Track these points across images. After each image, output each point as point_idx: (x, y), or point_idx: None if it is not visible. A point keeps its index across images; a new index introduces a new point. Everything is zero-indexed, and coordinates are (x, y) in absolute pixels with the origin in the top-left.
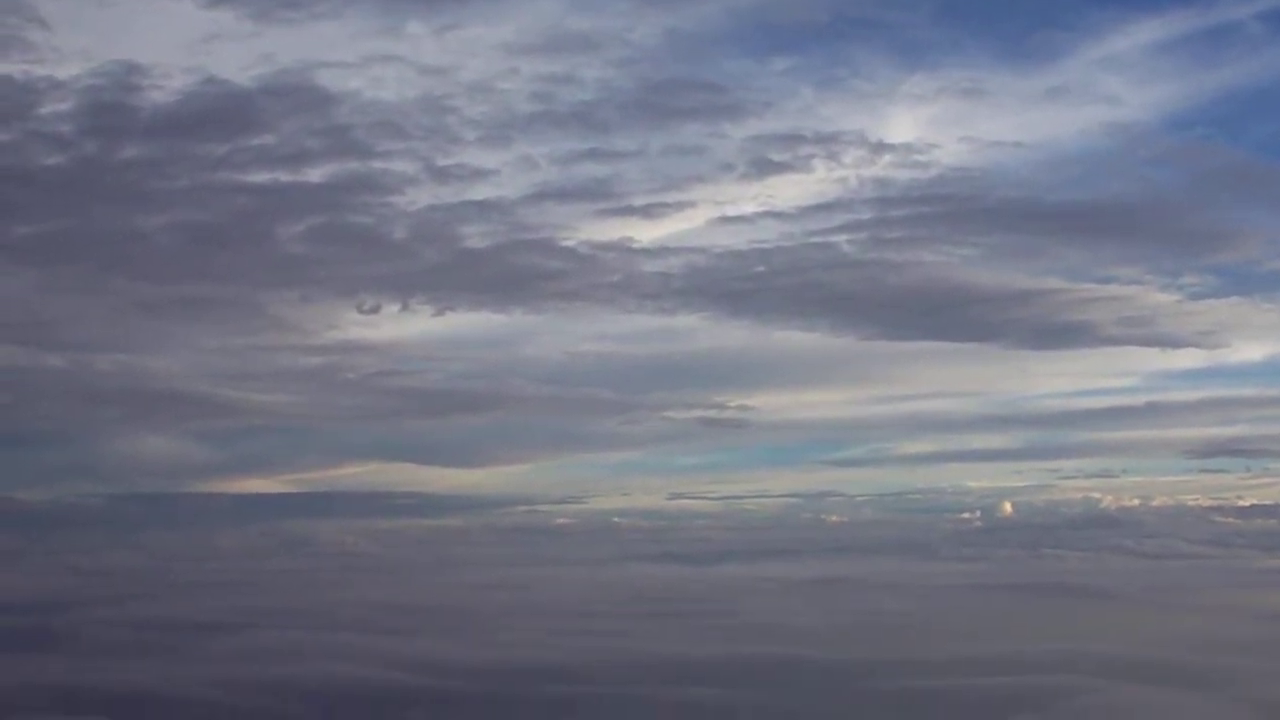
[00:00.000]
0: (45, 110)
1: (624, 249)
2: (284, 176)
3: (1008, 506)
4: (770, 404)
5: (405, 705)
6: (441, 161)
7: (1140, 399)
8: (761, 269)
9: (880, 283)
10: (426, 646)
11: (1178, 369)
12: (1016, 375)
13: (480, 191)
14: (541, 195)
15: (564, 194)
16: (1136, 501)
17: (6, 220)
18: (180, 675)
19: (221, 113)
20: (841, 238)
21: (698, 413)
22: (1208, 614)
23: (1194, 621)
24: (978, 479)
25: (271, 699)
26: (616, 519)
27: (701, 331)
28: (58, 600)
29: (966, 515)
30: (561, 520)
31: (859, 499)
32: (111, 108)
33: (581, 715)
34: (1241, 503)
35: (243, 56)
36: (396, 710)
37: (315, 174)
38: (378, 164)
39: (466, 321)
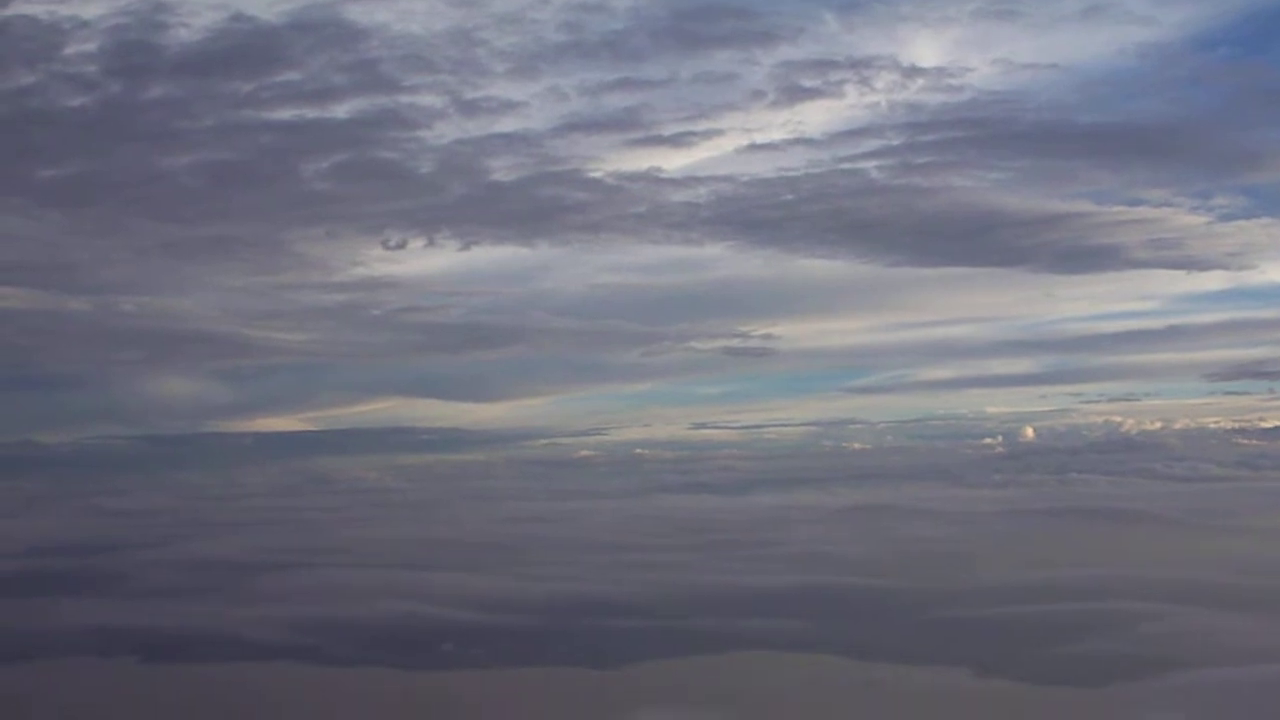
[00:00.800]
0: (70, 51)
1: (651, 179)
2: (310, 113)
3: (1029, 431)
4: (794, 332)
5: (465, 641)
6: (469, 95)
7: (1162, 322)
8: (789, 197)
9: (908, 208)
10: (475, 582)
11: (1200, 291)
12: (1041, 300)
13: (508, 124)
14: (570, 127)
15: (592, 125)
16: (1158, 425)
17: (31, 163)
18: (234, 615)
19: (248, 50)
20: (871, 164)
21: (721, 342)
22: (1250, 536)
23: (1239, 544)
24: (998, 404)
25: (328, 638)
26: (639, 450)
27: (726, 261)
28: (96, 542)
29: (988, 441)
30: (584, 452)
31: (880, 426)
32: (137, 47)
33: (650, 649)
34: (1264, 424)
35: None
36: (456, 647)
37: (341, 110)
38: (405, 98)
39: (491, 255)
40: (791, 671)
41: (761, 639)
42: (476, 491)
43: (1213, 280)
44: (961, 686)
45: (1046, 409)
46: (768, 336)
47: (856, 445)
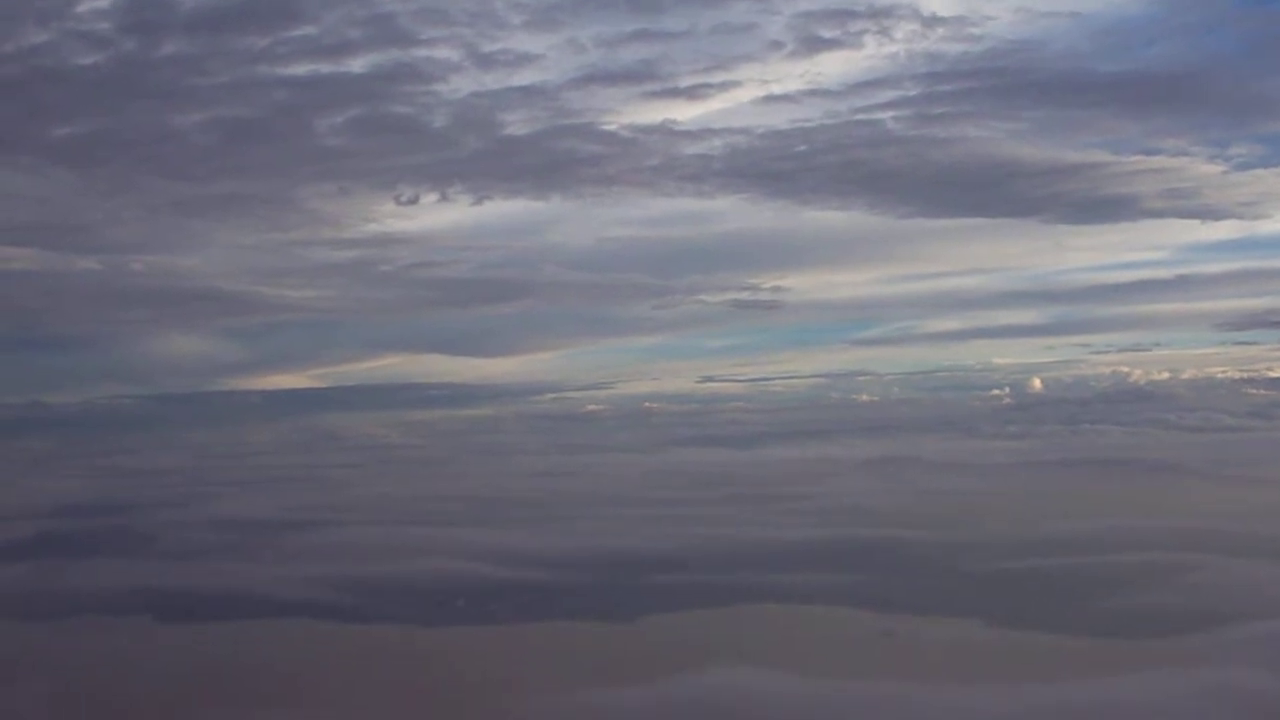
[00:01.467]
0: (83, 8)
1: (666, 132)
2: (325, 68)
3: (1037, 382)
4: (803, 285)
5: (501, 597)
6: (486, 47)
7: (1171, 272)
8: (803, 148)
9: (923, 159)
10: (503, 538)
11: (1209, 241)
12: (1051, 250)
13: (524, 77)
14: (587, 79)
15: (609, 77)
16: (1166, 375)
17: (43, 122)
18: (267, 574)
19: (263, 5)
20: (887, 114)
21: (731, 295)
22: (1274, 486)
23: (1267, 495)
24: (1005, 355)
25: (362, 595)
26: (647, 403)
27: (738, 214)
28: (118, 502)
29: (996, 392)
30: (592, 406)
31: (888, 378)
32: (151, 3)
33: (701, 603)
34: (1271, 374)
35: None
36: (494, 603)
37: (357, 64)
38: (421, 52)
39: (504, 210)
40: (828, 625)
41: (801, 593)
42: (488, 447)
43: (1223, 230)
44: (1020, 641)
45: (1053, 360)
46: (777, 289)
47: (865, 397)
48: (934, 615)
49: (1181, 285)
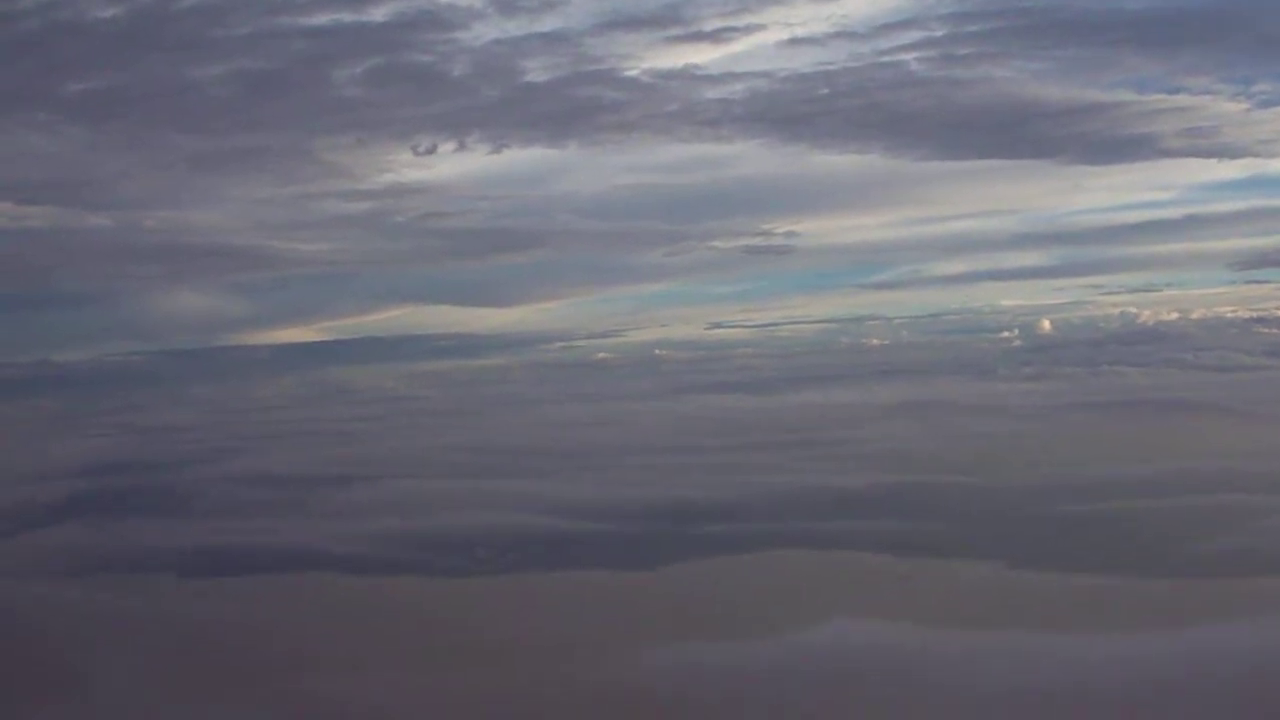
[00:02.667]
0: None
1: (687, 76)
2: (346, 17)
3: (1046, 324)
4: (815, 230)
5: (573, 548)
6: None
7: (1179, 212)
8: (825, 91)
9: (945, 101)
10: (554, 489)
11: (1218, 180)
12: (1068, 191)
13: (547, 23)
14: (610, 24)
15: (632, 22)
16: (1175, 315)
17: (60, 76)
18: (326, 531)
19: None
20: (911, 55)
21: (744, 241)
22: None
23: None
24: (1011, 297)
25: (425, 552)
26: (657, 351)
27: (754, 159)
28: (142, 460)
29: (1005, 334)
30: (602, 355)
31: (896, 322)
32: None
33: (768, 550)
34: None
35: None
36: (568, 554)
37: (378, 12)
38: None
39: (521, 158)
40: (912, 574)
41: (871, 540)
42: (504, 397)
43: (1234, 169)
44: (1114, 587)
45: (1060, 301)
46: (790, 234)
47: (874, 341)
48: (1015, 563)
49: (1190, 225)
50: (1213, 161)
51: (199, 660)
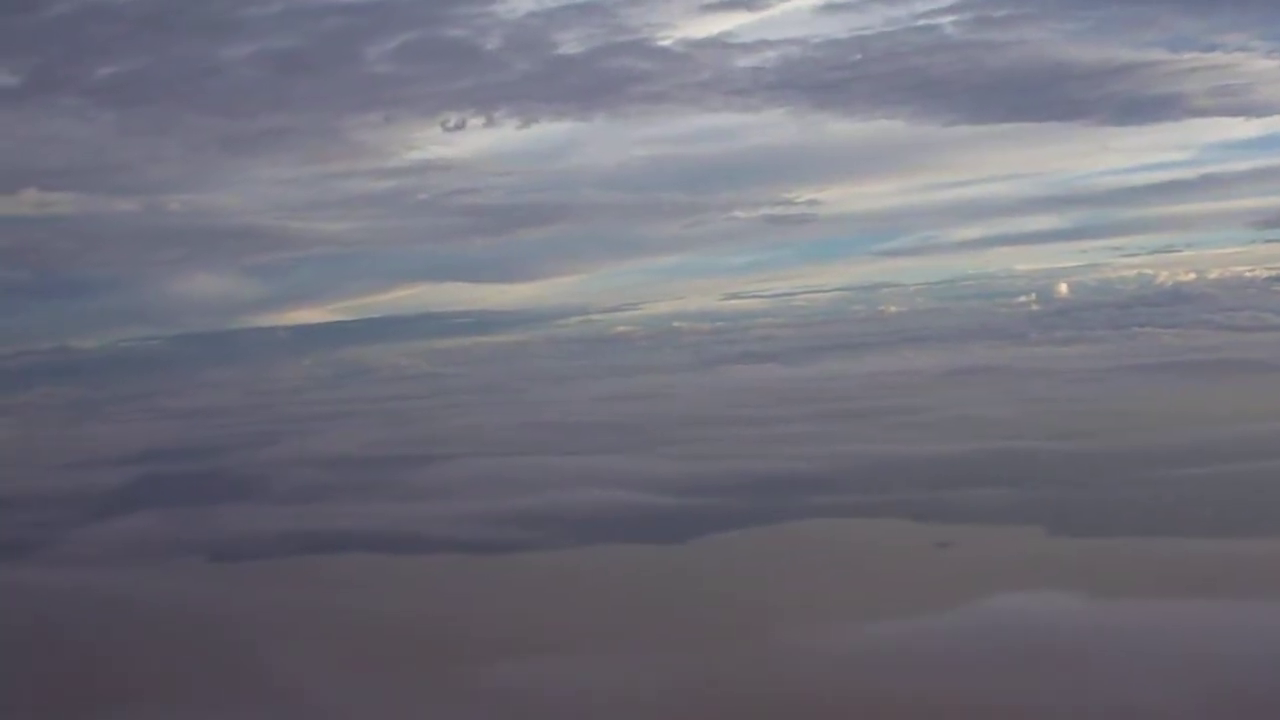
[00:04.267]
0: None
1: (721, 45)
2: None
3: (1063, 288)
4: (836, 197)
5: (668, 524)
6: None
7: (1195, 172)
8: (858, 57)
9: (977, 64)
10: (636, 465)
11: (1235, 139)
12: (1091, 153)
13: None
14: None
15: None
16: (1192, 276)
17: (89, 62)
18: (422, 513)
19: None
20: (948, 19)
21: (764, 210)
22: None
23: None
24: (1025, 262)
25: (519, 530)
26: (676, 323)
27: (781, 126)
28: (195, 446)
29: (1022, 299)
30: (620, 328)
31: (911, 288)
32: None
33: (895, 521)
34: None
35: None
36: (665, 531)
37: None
38: None
39: (548, 132)
40: (1054, 545)
41: (994, 511)
42: (535, 372)
43: (1252, 128)
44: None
45: (1074, 264)
46: (812, 202)
47: (892, 308)
48: (1151, 530)
49: (1207, 184)
50: (1231, 120)
51: (394, 648)
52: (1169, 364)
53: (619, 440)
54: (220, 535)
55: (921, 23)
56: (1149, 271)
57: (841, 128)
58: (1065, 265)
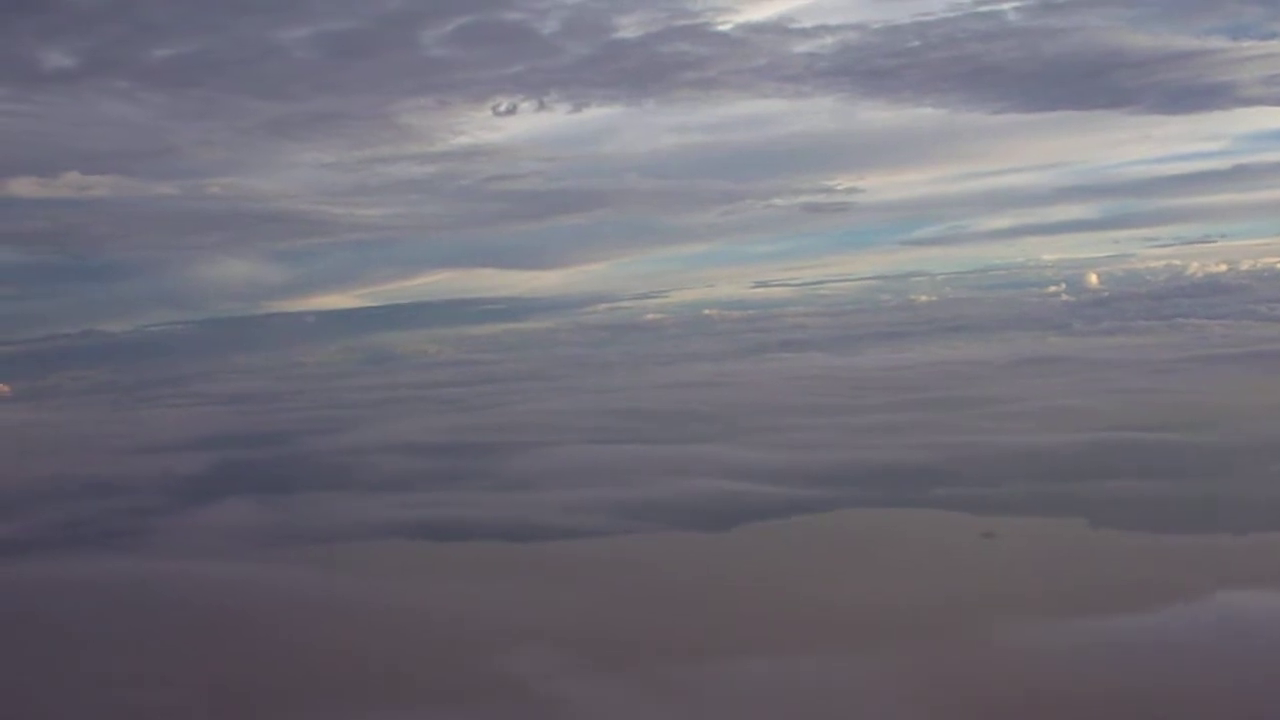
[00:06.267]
0: None
1: (779, 30)
2: None
3: (1093, 278)
4: (875, 185)
5: (808, 513)
6: None
7: (1228, 162)
8: (915, 43)
9: (1034, 51)
10: (741, 454)
11: (1267, 130)
12: (1133, 142)
13: None
14: None
15: None
16: (1224, 267)
17: (144, 43)
18: (530, 502)
19: None
20: (1009, 5)
21: (804, 198)
22: None
23: None
24: (1052, 251)
25: (632, 520)
26: (707, 311)
27: (829, 114)
28: (257, 432)
29: (1053, 289)
30: (651, 316)
31: (939, 278)
32: None
33: (1012, 511)
34: None
35: None
36: (812, 521)
37: None
38: None
39: (595, 117)
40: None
41: (1114, 501)
42: (577, 359)
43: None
44: None
45: (1101, 255)
46: (851, 190)
47: (923, 298)
48: None
49: (1239, 175)
50: (1266, 110)
51: (602, 643)
52: (1233, 355)
53: (704, 429)
54: (332, 523)
55: (984, 9)
56: (1177, 262)
57: (886, 115)
58: (1093, 255)
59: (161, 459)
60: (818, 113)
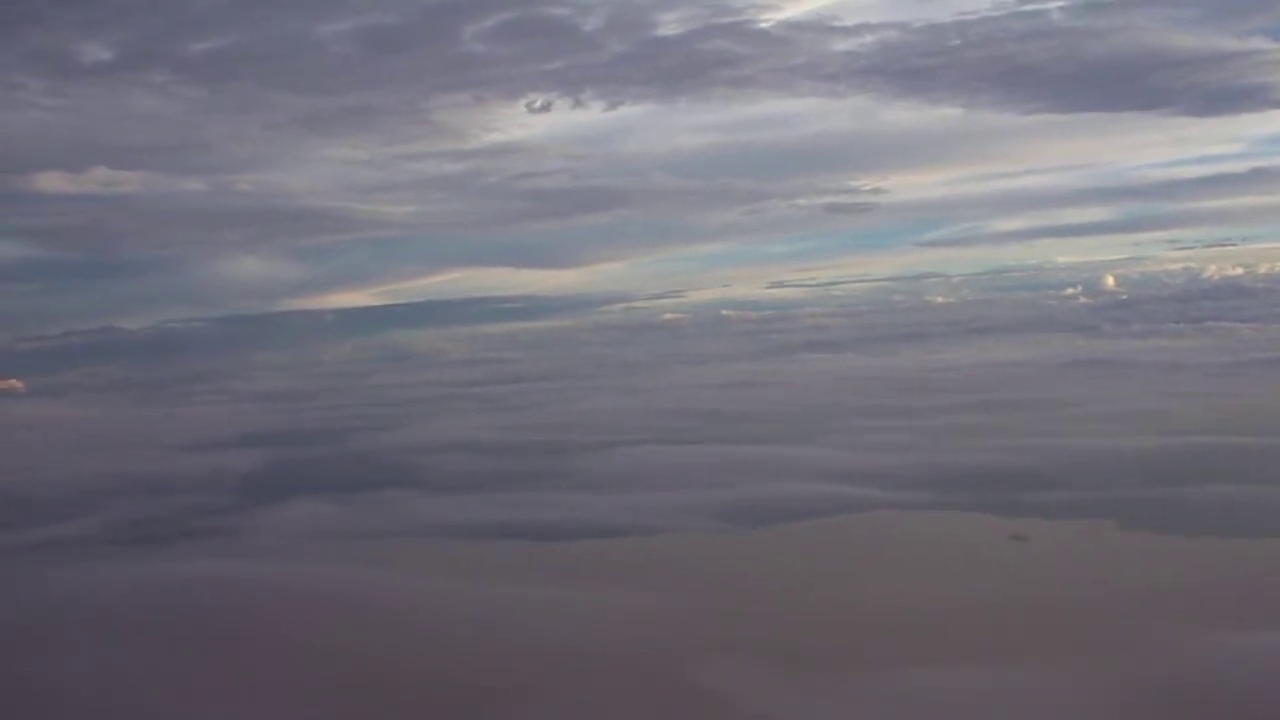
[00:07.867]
0: None
1: (821, 27)
2: None
3: (1110, 280)
4: (899, 185)
5: (921, 517)
6: None
7: (1245, 165)
8: (956, 43)
9: (1073, 52)
10: (811, 454)
11: None
12: (1159, 145)
13: None
14: None
15: None
16: (1241, 270)
17: (183, 36)
18: (622, 504)
19: None
20: (1054, 4)
21: (828, 198)
22: None
23: None
24: (1067, 254)
25: (710, 520)
26: (724, 311)
27: (861, 113)
28: (301, 431)
29: (1069, 291)
30: (668, 315)
31: (955, 279)
32: None
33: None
34: None
35: None
36: (928, 525)
37: None
38: None
39: (627, 115)
40: None
41: (1224, 506)
42: (602, 359)
43: None
44: None
45: (1117, 257)
46: (876, 191)
47: (939, 299)
48: None
49: (1257, 178)
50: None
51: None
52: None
53: (773, 430)
54: (412, 524)
55: (1028, 8)
56: (1194, 265)
57: (915, 115)
58: (1108, 258)
59: (211, 456)
60: (846, 112)
